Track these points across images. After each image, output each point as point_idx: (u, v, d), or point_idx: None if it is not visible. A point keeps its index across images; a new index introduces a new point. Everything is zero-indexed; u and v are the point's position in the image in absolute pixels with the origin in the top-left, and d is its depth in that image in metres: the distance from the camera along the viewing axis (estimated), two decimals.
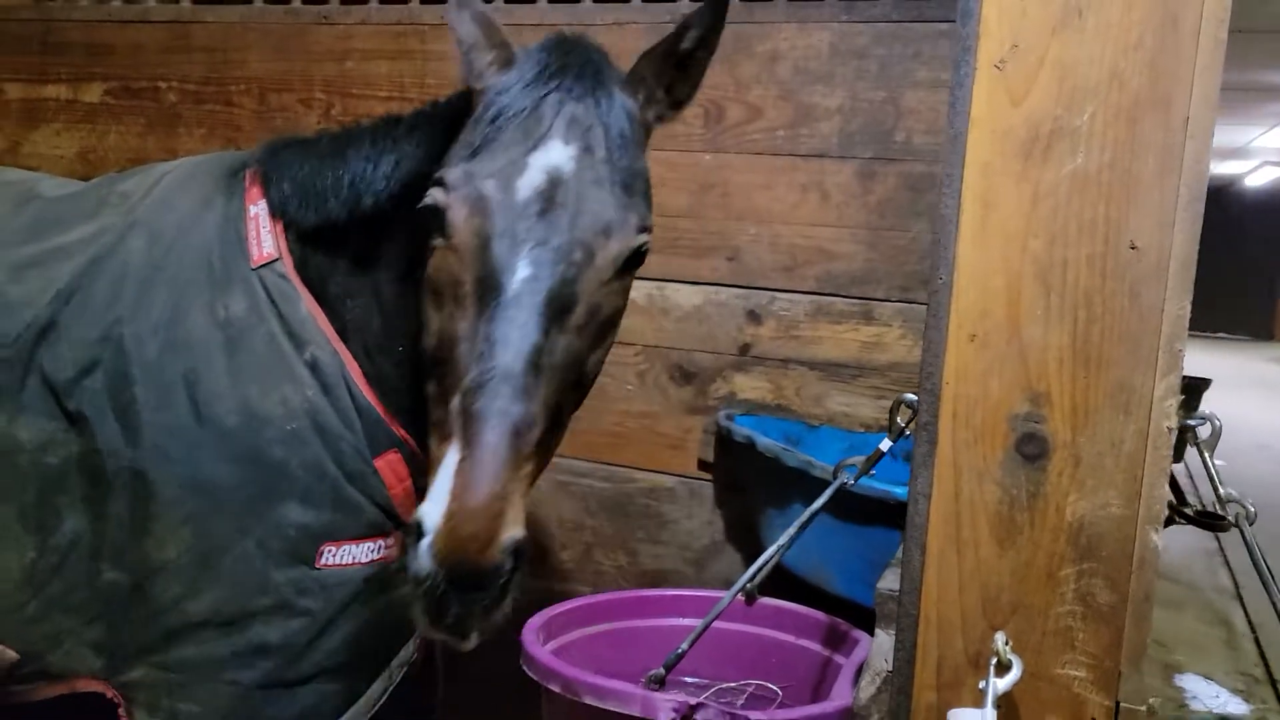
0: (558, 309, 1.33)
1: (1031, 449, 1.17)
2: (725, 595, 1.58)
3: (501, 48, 1.55)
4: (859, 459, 1.55)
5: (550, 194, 1.38)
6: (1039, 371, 1.17)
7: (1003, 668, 1.16)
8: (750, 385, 2.57)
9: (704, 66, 1.54)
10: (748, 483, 2.37)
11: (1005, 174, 1.16)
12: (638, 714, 1.36)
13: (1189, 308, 1.12)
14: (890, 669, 1.27)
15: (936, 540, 1.22)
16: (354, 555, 1.56)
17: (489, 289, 1.33)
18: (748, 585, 1.59)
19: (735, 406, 2.56)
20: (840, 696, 1.41)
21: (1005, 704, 1.20)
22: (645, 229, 1.44)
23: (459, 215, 1.38)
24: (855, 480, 1.53)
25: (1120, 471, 1.14)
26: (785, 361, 2.54)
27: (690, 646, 1.51)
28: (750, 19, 2.53)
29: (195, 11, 2.94)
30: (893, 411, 1.47)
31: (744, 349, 2.58)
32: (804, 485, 1.98)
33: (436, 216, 1.40)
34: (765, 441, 2.09)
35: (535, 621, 1.64)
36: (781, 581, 2.03)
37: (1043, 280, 1.16)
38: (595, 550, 2.72)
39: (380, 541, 1.60)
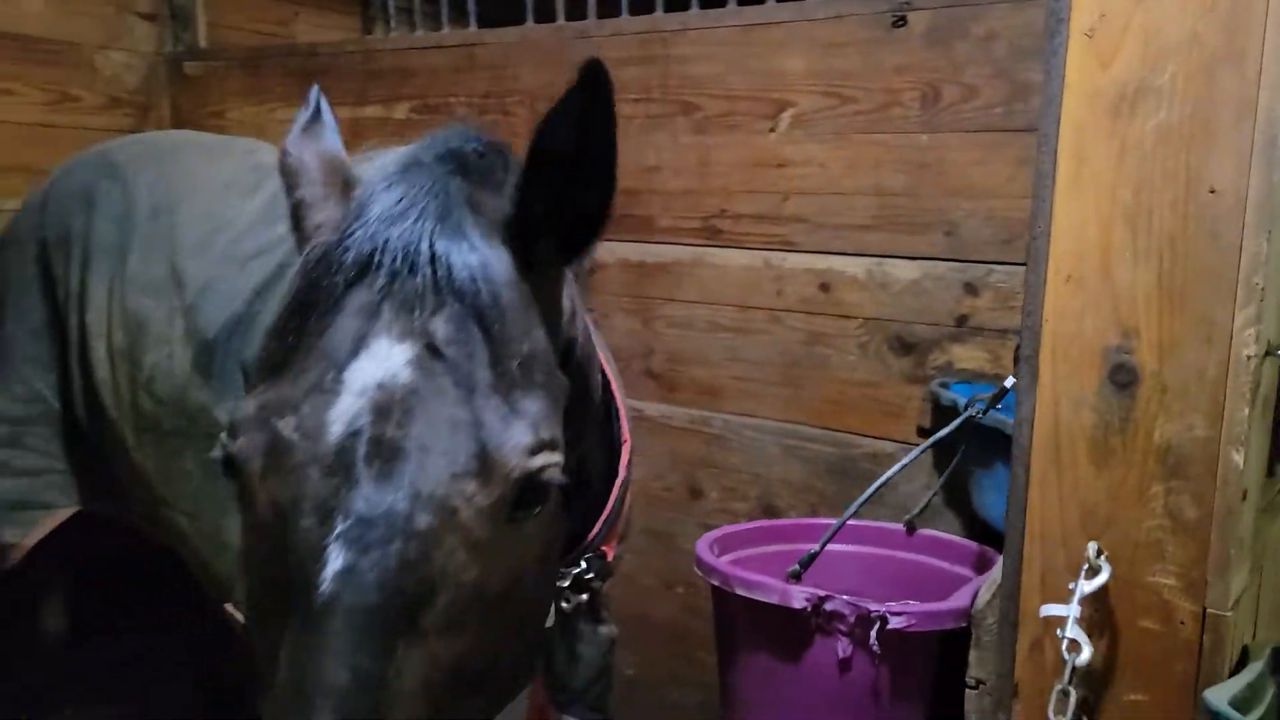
0: (396, 613, 0.94)
1: (1123, 378, 1.32)
2: (848, 512, 1.79)
3: (343, 189, 1.19)
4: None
5: (376, 430, 0.97)
6: (1129, 308, 1.31)
7: (1093, 572, 1.31)
8: (967, 355, 2.70)
9: (607, 165, 1.12)
10: (956, 445, 2.52)
11: (1096, 131, 1.31)
12: (777, 602, 1.61)
13: (1266, 245, 1.23)
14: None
15: (1039, 462, 1.39)
16: None
17: (294, 589, 0.95)
18: (907, 518, 1.78)
19: (952, 376, 2.70)
20: (960, 600, 1.59)
21: (1102, 609, 1.35)
22: (546, 445, 1.04)
23: (253, 474, 1.01)
24: (982, 414, 1.68)
25: (1204, 397, 1.27)
26: (1002, 332, 2.65)
27: (821, 549, 1.75)
28: (963, 1, 2.66)
29: (479, 35, 3.44)
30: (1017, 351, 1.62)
31: (961, 320, 2.71)
32: (1004, 443, 2.12)
33: (230, 473, 1.04)
34: (964, 400, 2.24)
35: (709, 536, 1.92)
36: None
37: (1131, 225, 1.30)
38: (820, 510, 2.93)
39: None
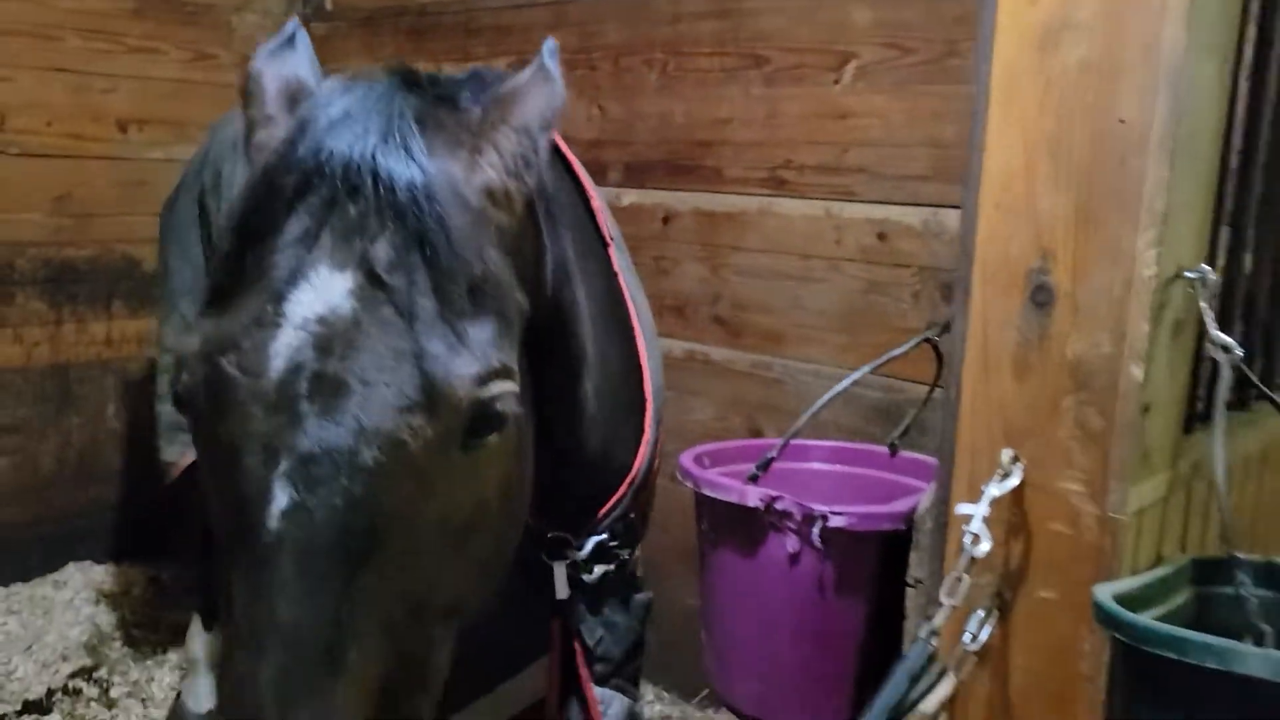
0: (346, 550, 0.95)
1: (1041, 298, 1.42)
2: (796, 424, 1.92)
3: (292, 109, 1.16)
4: None
5: (318, 365, 0.96)
6: (1049, 232, 1.41)
7: (1005, 476, 1.43)
8: None
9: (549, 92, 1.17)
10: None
11: (1024, 66, 1.42)
12: (735, 501, 1.77)
13: (1168, 172, 1.31)
14: None
15: (969, 377, 1.51)
16: None
17: (244, 529, 0.96)
18: (891, 439, 1.91)
19: None
20: (901, 506, 1.70)
21: (1019, 512, 1.46)
22: (498, 373, 1.03)
23: (200, 412, 1.02)
24: (939, 335, 1.78)
25: (1110, 316, 1.37)
26: None
27: (777, 454, 1.90)
28: None
29: None
30: None
31: None
32: None
33: (181, 411, 1.06)
34: None
35: (695, 450, 2.09)
36: None
37: (1053, 155, 1.40)
38: None
39: None
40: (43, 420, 3.90)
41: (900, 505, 1.72)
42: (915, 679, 1.32)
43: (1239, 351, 1.33)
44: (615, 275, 1.76)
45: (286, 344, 0.97)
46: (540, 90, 1.18)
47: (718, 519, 1.88)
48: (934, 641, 1.36)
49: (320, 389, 0.96)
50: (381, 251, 1.01)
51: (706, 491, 1.85)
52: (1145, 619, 1.24)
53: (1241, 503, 1.69)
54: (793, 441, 1.98)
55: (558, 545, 1.57)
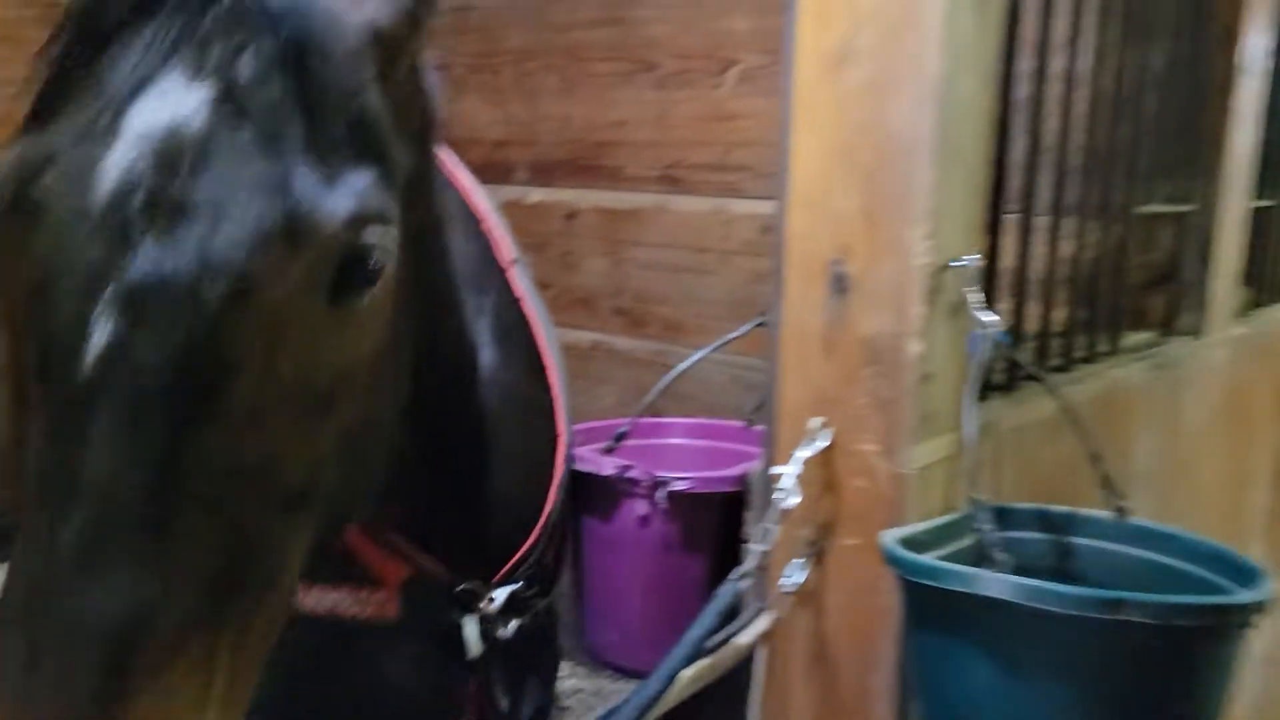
0: (176, 399, 0.82)
1: (840, 285, 1.65)
2: (645, 400, 2.15)
3: None
4: None
5: (158, 184, 0.83)
6: (844, 229, 1.64)
7: (812, 439, 1.66)
8: None
9: None
10: None
11: (819, 84, 1.64)
12: (592, 470, 1.99)
13: (935, 176, 1.55)
14: None
15: (786, 356, 1.74)
16: None
17: (50, 378, 0.84)
18: (748, 414, 2.14)
19: None
20: (736, 470, 1.94)
21: (828, 471, 1.69)
22: (375, 217, 0.92)
23: (11, 236, 0.87)
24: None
25: (892, 299, 1.60)
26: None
27: (629, 428, 2.13)
28: None
29: (469, 0, 3.83)
30: None
31: None
32: None
33: None
34: None
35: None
36: None
37: (844, 162, 1.63)
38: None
39: None
40: None
41: (735, 470, 1.95)
42: (726, 617, 1.53)
43: (999, 328, 1.57)
44: (517, 301, 1.66)
45: (122, 158, 0.83)
46: None
47: (581, 489, 2.10)
48: (744, 584, 1.59)
49: (159, 212, 0.82)
50: (245, 64, 0.87)
51: (576, 466, 2.06)
52: (913, 556, 1.47)
53: (1040, 460, 1.94)
54: (655, 419, 2.19)
55: (467, 598, 1.42)
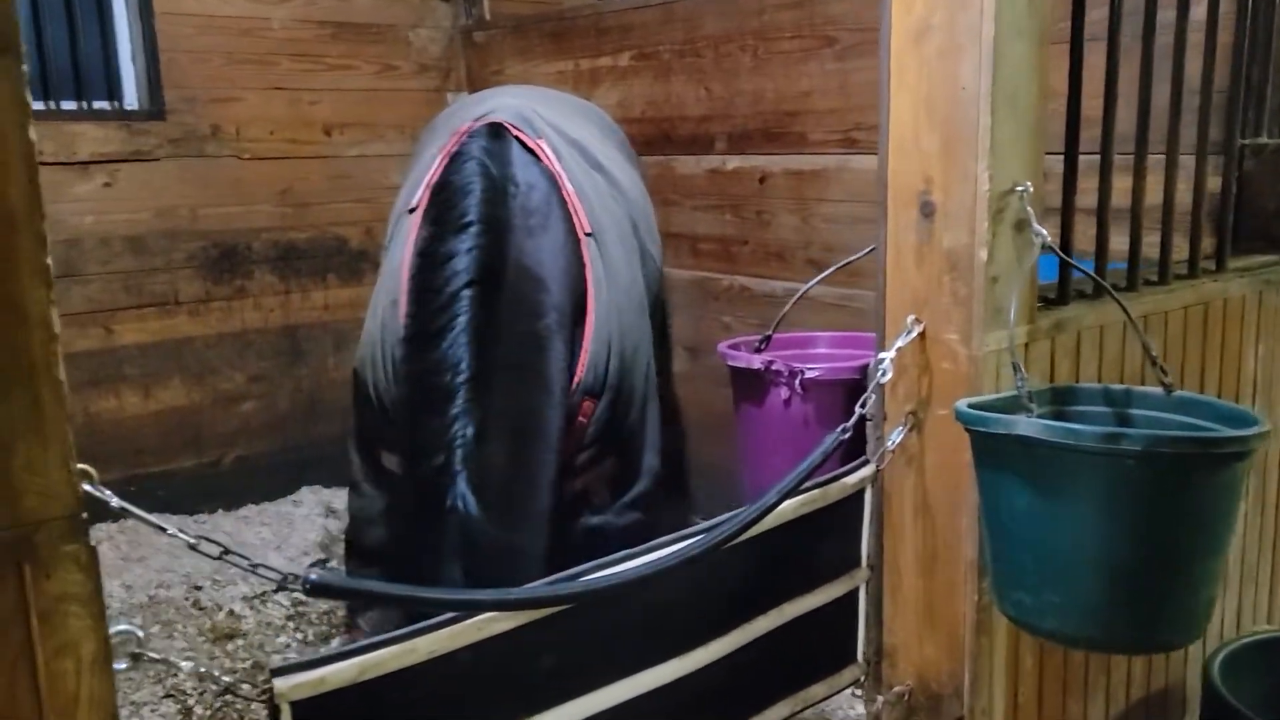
0: None
1: (927, 210, 2.18)
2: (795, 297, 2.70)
3: None
4: None
5: None
6: (928, 165, 2.17)
7: (907, 332, 2.20)
8: None
9: None
10: None
11: (908, 52, 2.17)
12: (744, 365, 2.58)
13: (990, 119, 2.05)
14: None
15: (889, 267, 2.28)
16: None
17: None
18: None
19: None
20: (858, 362, 2.46)
21: (923, 358, 2.22)
22: None
23: None
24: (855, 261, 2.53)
25: (966, 219, 2.11)
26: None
27: (774, 328, 2.69)
28: None
29: None
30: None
31: None
32: None
33: None
34: None
35: (728, 340, 2.90)
36: None
37: (928, 111, 2.16)
38: None
39: None
40: (280, 371, 5.07)
41: (857, 362, 2.48)
42: (827, 455, 2.09)
43: (1048, 238, 2.06)
44: (584, 265, 2.64)
45: None
46: None
47: (738, 381, 2.70)
48: (846, 435, 2.14)
49: None
50: None
51: (730, 363, 2.67)
52: (970, 410, 1.99)
53: (1115, 354, 2.39)
54: (802, 333, 2.77)
55: None
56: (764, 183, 4.30)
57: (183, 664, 1.42)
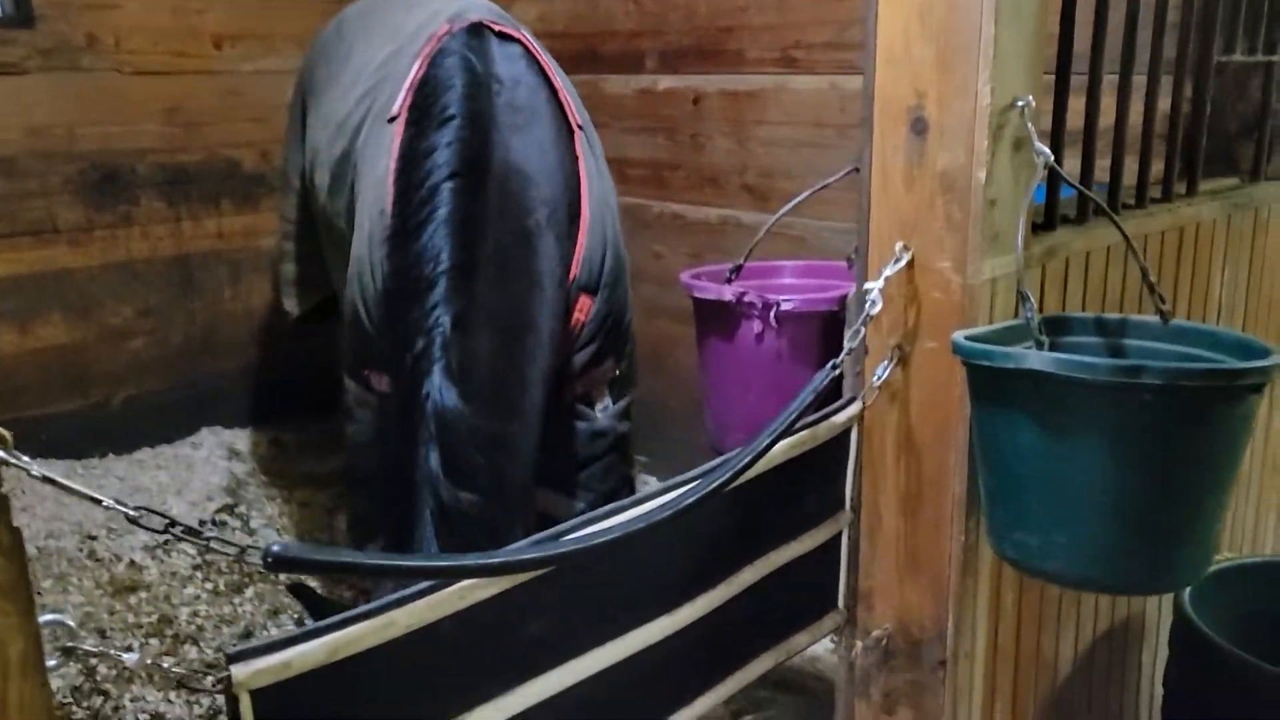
0: None
1: (919, 127, 2.03)
2: (768, 224, 2.55)
3: None
4: None
5: None
6: (921, 77, 2.01)
7: (896, 260, 2.05)
8: None
9: None
10: None
11: None
12: (715, 297, 2.42)
13: (994, 27, 1.89)
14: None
15: (875, 189, 2.12)
16: None
17: None
18: (849, 255, 2.53)
19: None
20: (835, 293, 2.33)
21: (911, 286, 2.09)
22: None
23: None
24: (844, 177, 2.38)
25: (963, 136, 1.96)
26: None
27: (745, 259, 2.55)
28: None
29: None
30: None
31: None
32: None
33: None
34: None
35: (690, 270, 2.74)
36: None
37: (921, 20, 1.99)
38: None
39: None
40: (171, 304, 4.72)
41: (834, 292, 2.35)
42: (818, 396, 1.95)
43: (1050, 156, 1.92)
44: (576, 159, 2.60)
45: None
46: None
47: (704, 315, 2.54)
48: (835, 373, 2.00)
49: None
50: None
51: (697, 294, 2.51)
52: (971, 343, 1.86)
53: (1102, 280, 2.29)
54: (771, 263, 2.61)
55: None
56: (698, 104, 4.10)
57: (125, 656, 1.21)
